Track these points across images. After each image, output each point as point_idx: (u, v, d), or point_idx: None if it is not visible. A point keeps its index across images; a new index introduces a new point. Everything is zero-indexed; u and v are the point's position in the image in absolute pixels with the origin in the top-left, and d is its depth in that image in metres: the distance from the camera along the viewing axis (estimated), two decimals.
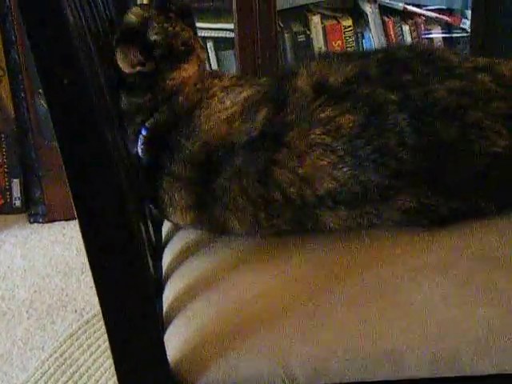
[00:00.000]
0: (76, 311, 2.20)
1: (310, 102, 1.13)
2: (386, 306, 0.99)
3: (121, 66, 1.22)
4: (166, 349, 0.98)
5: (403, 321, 0.97)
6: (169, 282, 1.13)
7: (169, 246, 1.23)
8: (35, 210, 2.70)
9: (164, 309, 1.09)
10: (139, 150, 1.22)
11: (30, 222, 2.69)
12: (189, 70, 1.25)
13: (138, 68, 1.22)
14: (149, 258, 1.09)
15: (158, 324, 1.02)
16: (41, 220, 2.68)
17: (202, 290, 1.07)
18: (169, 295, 1.10)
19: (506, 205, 1.15)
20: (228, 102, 1.20)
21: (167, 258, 1.20)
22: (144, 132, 1.22)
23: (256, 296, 1.03)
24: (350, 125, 1.11)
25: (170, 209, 1.19)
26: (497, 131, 1.12)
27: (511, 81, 1.19)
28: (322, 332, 0.97)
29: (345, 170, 1.10)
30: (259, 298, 1.03)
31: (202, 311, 1.03)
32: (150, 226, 1.25)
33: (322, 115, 1.12)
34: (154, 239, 1.26)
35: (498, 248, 1.08)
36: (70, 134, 0.85)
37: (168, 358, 0.98)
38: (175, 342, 1.01)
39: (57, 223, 2.66)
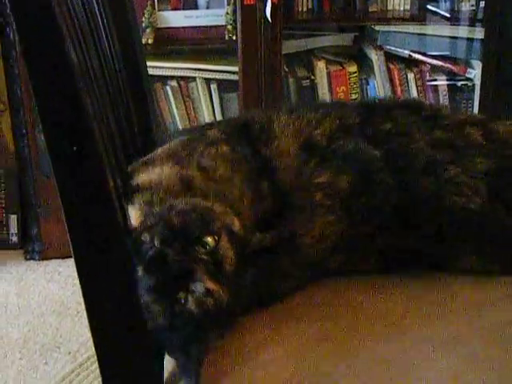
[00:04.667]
0: (70, 353, 2.17)
1: (302, 165, 1.15)
2: (395, 382, 0.96)
3: None
4: None
5: None
6: None
7: None
8: (31, 247, 2.68)
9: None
10: None
11: (26, 259, 2.67)
12: None
13: None
14: None
15: (157, 377, 0.99)
16: (37, 257, 2.66)
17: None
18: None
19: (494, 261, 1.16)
20: None
21: None
22: None
23: (261, 366, 1.00)
24: (346, 185, 1.14)
25: None
26: (473, 188, 1.14)
27: (504, 137, 1.20)
28: None
29: (340, 225, 1.14)
30: (264, 368, 1.00)
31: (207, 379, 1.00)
32: None
33: (320, 180, 1.14)
34: None
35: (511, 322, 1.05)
36: (79, 209, 0.83)
37: None
38: None
39: (53, 261, 2.64)
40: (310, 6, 2.63)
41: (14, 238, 2.70)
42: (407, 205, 1.13)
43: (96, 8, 1.23)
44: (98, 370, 0.96)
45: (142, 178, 1.15)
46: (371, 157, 1.15)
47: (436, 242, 1.15)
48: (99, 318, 0.93)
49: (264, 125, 1.22)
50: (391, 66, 2.67)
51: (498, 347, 1.00)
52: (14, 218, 2.69)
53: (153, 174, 1.15)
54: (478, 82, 2.63)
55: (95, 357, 0.95)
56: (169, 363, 1.08)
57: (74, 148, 0.80)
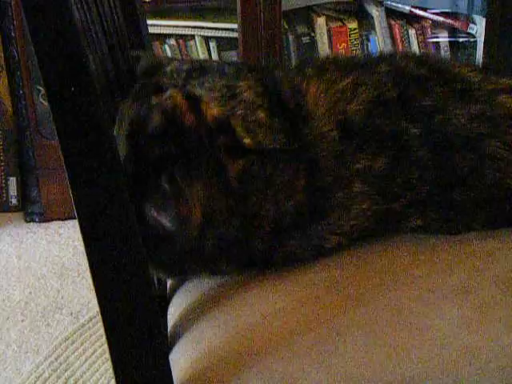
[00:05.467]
0: (72, 314, 2.16)
1: (342, 150, 1.10)
2: (404, 331, 0.95)
3: None
4: (172, 369, 0.94)
5: (422, 347, 0.93)
6: (174, 298, 1.09)
7: None
8: (32, 209, 2.67)
9: (169, 327, 1.05)
10: None
11: (26, 221, 2.67)
12: None
13: None
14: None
15: (162, 335, 0.97)
16: (37, 219, 2.66)
17: (209, 308, 1.03)
18: (174, 313, 1.06)
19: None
20: None
21: None
22: None
23: (266, 317, 0.99)
24: (382, 168, 1.09)
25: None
26: (509, 161, 1.12)
27: None
28: (335, 357, 0.93)
29: (374, 207, 1.10)
30: (269, 319, 0.99)
31: (209, 332, 0.99)
32: None
33: (359, 166, 1.09)
34: None
35: None
36: (76, 147, 0.82)
37: (174, 378, 0.95)
38: (181, 362, 0.97)
39: (53, 223, 2.63)
40: None
41: (14, 201, 2.70)
42: (446, 182, 1.11)
43: None
44: (100, 331, 0.94)
45: None
46: (409, 135, 1.10)
47: (467, 219, 1.14)
48: (103, 275, 0.91)
49: (295, 93, 1.15)
50: (392, 22, 2.64)
51: (509, 295, 0.99)
52: (13, 181, 2.68)
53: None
54: (479, 37, 2.60)
55: (97, 317, 0.93)
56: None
57: (72, 88, 0.78)
